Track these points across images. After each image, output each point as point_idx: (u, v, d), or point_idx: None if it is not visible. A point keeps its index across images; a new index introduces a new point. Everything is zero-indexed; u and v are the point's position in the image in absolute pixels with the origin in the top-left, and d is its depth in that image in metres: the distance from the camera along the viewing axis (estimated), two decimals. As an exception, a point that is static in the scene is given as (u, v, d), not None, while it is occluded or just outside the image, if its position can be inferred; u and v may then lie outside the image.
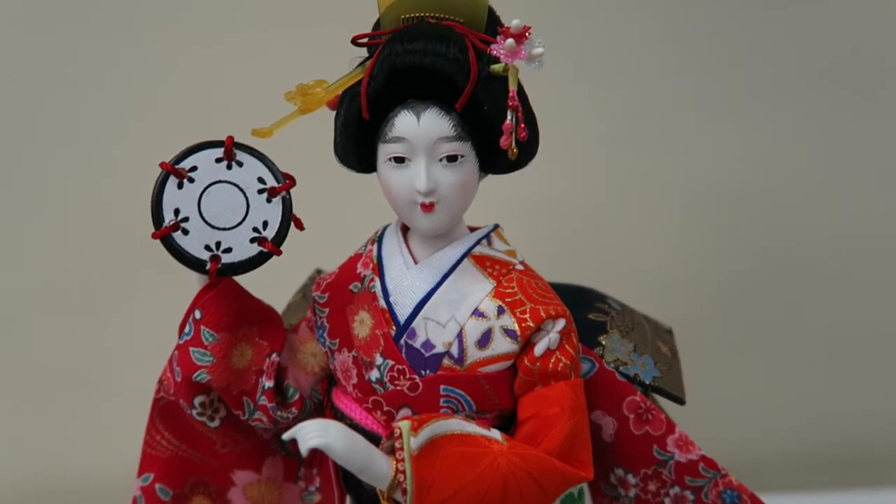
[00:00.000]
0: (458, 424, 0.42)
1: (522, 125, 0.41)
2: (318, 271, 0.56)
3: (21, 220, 1.03)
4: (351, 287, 0.47)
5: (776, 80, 1.03)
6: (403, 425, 0.40)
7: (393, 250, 0.47)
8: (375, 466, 0.40)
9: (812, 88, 1.02)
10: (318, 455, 0.53)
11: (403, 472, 0.39)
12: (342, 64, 0.46)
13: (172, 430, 0.51)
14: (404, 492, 0.39)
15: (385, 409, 0.45)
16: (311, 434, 0.40)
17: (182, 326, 0.48)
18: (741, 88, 1.02)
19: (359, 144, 0.45)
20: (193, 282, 0.46)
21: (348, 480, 0.51)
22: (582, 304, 0.52)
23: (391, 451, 0.40)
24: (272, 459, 0.54)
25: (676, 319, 0.98)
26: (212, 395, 0.49)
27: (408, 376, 0.45)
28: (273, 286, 0.53)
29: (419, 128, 0.42)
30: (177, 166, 0.41)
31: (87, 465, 1.07)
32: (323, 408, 0.50)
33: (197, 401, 0.49)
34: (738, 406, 1.08)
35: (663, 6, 1.00)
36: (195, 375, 0.47)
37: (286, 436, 0.41)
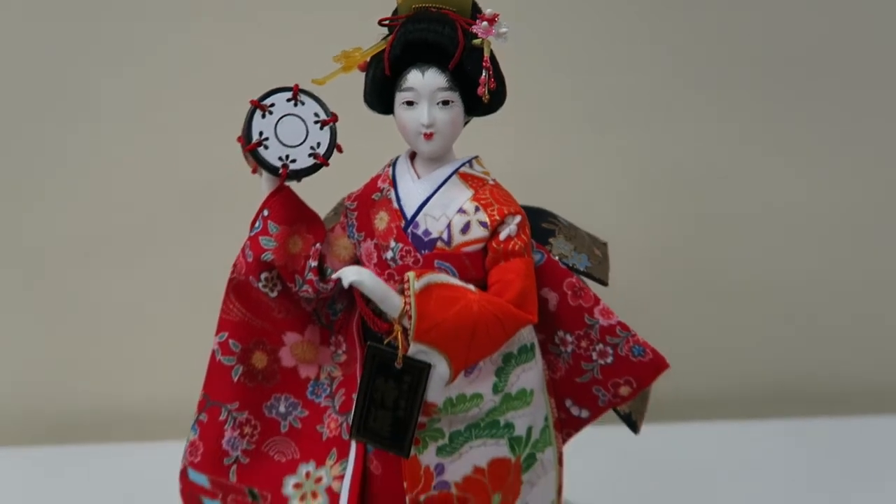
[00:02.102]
0: (446, 277, 0.59)
1: (492, 80, 0.59)
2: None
3: (82, 169, 1.13)
4: (373, 196, 0.65)
5: (730, 75, 1.15)
6: (410, 274, 0.58)
7: (403, 170, 0.65)
8: (391, 299, 0.58)
9: (761, 82, 1.15)
10: (344, 326, 0.69)
11: (409, 304, 0.57)
12: (362, 41, 0.64)
13: (241, 301, 0.66)
14: (409, 317, 0.57)
15: (396, 279, 0.62)
16: (351, 273, 0.58)
17: (253, 222, 0.64)
18: (698, 81, 1.15)
19: (382, 94, 0.62)
20: (264, 188, 0.63)
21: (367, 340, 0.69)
22: (539, 217, 0.69)
23: (402, 292, 0.58)
24: (312, 327, 0.68)
25: (633, 274, 1.13)
26: (273, 272, 0.64)
27: (412, 255, 0.62)
28: (315, 206, 0.69)
29: (424, 81, 0.59)
30: (261, 103, 0.61)
31: (138, 392, 1.21)
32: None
33: (262, 276, 0.64)
34: (686, 345, 1.23)
35: (637, 5, 1.12)
36: (262, 256, 0.62)
37: (335, 275, 0.60)
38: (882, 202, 1.22)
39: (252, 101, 0.60)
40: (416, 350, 0.58)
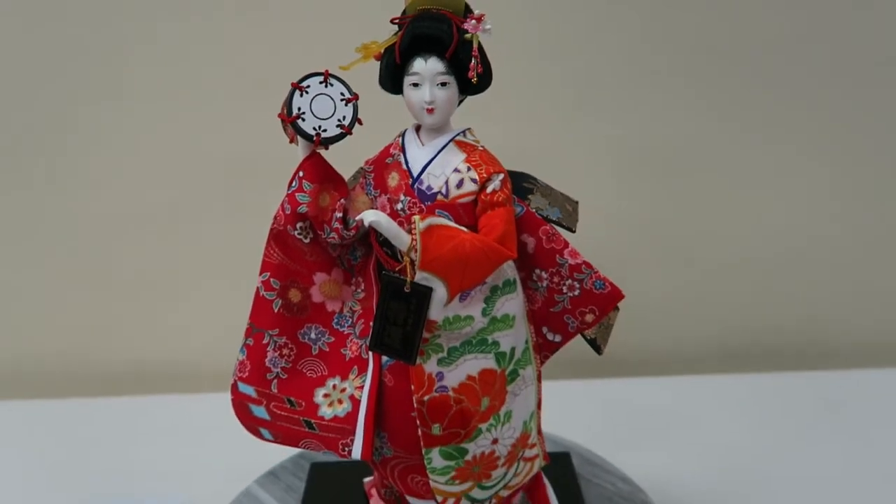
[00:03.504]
0: (444, 220, 0.73)
1: (480, 66, 0.73)
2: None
3: (124, 151, 1.25)
4: (387, 160, 0.80)
5: (698, 64, 1.26)
6: (416, 217, 0.71)
7: (411, 139, 0.79)
8: (401, 236, 0.72)
9: (717, 70, 1.26)
10: (363, 269, 0.83)
11: (416, 240, 0.71)
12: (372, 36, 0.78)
13: (280, 247, 0.77)
14: (416, 251, 0.71)
15: (405, 225, 0.78)
16: (371, 215, 0.72)
17: (290, 182, 0.75)
18: (670, 69, 1.26)
19: (393, 78, 0.76)
20: (300, 154, 0.77)
21: (380, 281, 0.84)
22: (521, 179, 0.82)
23: (409, 231, 0.73)
24: (337, 269, 0.80)
25: (612, 246, 1.26)
26: (306, 222, 0.76)
27: (418, 205, 0.75)
28: (340, 169, 0.82)
29: (426, 67, 0.72)
30: (300, 84, 0.76)
31: (169, 351, 1.34)
32: (369, 231, 0.77)
33: (298, 225, 0.76)
34: (660, 306, 1.38)
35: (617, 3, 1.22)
36: (298, 209, 0.75)
37: (358, 217, 0.75)
38: (847, 180, 1.34)
39: (292, 84, 0.75)
40: (420, 277, 0.71)
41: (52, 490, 1.06)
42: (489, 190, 0.75)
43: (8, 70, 1.21)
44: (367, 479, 0.99)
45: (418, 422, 0.77)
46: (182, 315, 1.34)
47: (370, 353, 0.80)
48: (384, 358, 0.78)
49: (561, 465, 1.02)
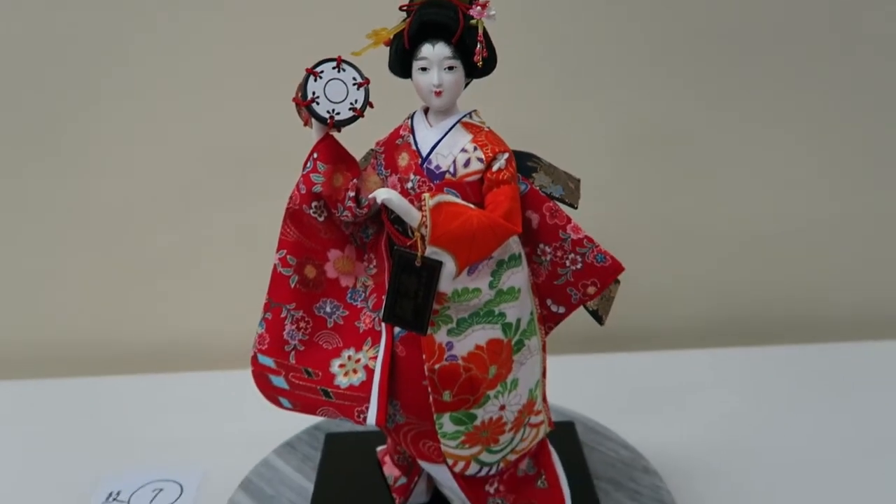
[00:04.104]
0: (452, 198, 0.77)
1: (485, 50, 0.76)
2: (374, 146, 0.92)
3: (141, 141, 1.29)
4: (397, 141, 0.83)
5: (684, 47, 1.28)
6: (426, 195, 0.75)
7: (419, 120, 0.82)
8: (412, 213, 0.75)
9: (711, 54, 1.29)
10: (375, 245, 0.86)
11: (426, 216, 0.73)
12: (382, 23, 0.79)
13: (296, 226, 0.80)
14: (426, 226, 0.74)
15: (416, 205, 0.82)
16: (383, 192, 0.76)
17: (305, 163, 0.78)
18: (658, 52, 1.28)
19: (402, 63, 0.78)
20: (315, 136, 0.80)
21: (392, 256, 0.88)
22: (525, 158, 0.84)
23: (420, 208, 0.76)
24: (350, 246, 0.83)
25: (614, 223, 1.29)
26: (320, 201, 0.78)
27: (427, 184, 0.77)
28: (352, 151, 0.86)
29: (434, 52, 0.74)
30: (314, 70, 0.80)
31: (182, 331, 1.38)
32: (381, 209, 0.80)
33: (313, 204, 0.79)
34: (659, 283, 1.41)
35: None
36: (313, 188, 0.77)
37: (371, 195, 0.79)
38: (844, 163, 1.37)
39: (307, 69, 0.78)
40: (430, 251, 0.73)
41: (77, 463, 1.11)
42: (495, 168, 0.77)
43: (24, 57, 1.24)
44: (379, 448, 1.03)
45: (429, 389, 0.81)
46: (199, 296, 1.37)
47: (383, 324, 0.83)
48: (396, 329, 0.81)
49: (565, 434, 1.06)
